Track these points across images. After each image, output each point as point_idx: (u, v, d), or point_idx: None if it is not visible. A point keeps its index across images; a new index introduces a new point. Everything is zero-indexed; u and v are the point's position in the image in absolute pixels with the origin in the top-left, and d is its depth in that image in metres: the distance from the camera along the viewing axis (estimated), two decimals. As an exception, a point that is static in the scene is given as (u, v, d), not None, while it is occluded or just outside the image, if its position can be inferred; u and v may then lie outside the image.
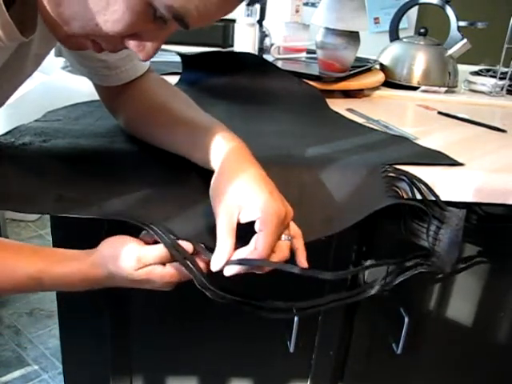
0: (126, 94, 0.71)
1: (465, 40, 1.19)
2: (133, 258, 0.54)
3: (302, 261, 0.58)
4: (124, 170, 0.66)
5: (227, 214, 0.54)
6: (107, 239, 0.57)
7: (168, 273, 0.56)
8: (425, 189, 0.69)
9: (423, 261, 0.69)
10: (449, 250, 0.67)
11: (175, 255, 0.55)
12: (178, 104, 0.69)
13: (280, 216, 0.53)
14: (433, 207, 0.68)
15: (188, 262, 0.55)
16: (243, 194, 0.54)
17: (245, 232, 0.55)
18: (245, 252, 0.53)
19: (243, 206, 0.54)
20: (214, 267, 0.54)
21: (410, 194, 0.69)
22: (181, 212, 0.61)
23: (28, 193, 0.61)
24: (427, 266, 0.69)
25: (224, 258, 0.53)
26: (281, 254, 0.55)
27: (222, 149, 0.59)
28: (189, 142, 0.64)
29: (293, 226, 0.58)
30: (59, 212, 0.60)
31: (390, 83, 1.20)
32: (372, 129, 0.88)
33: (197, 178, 0.64)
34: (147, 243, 0.57)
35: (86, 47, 0.50)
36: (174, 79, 1.01)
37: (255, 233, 0.54)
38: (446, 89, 1.20)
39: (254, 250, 0.53)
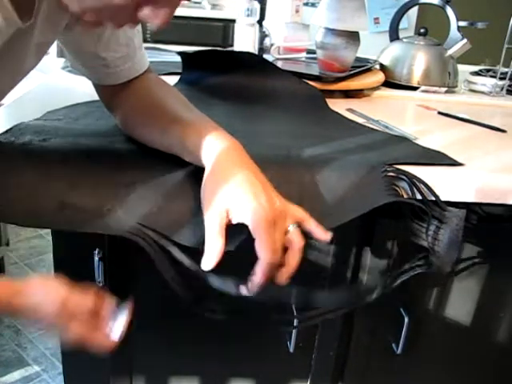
0: (124, 93, 0.72)
1: (465, 40, 1.19)
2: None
3: (322, 236, 0.59)
4: (126, 171, 0.66)
5: (216, 214, 0.55)
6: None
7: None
8: (425, 189, 0.69)
9: (422, 261, 0.69)
10: (448, 250, 0.68)
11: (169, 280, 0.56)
12: (173, 104, 0.70)
13: (268, 218, 0.54)
14: (432, 207, 0.68)
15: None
16: (231, 198, 0.55)
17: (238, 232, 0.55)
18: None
19: (231, 209, 0.55)
20: (206, 266, 0.54)
21: (410, 194, 0.69)
22: (189, 217, 0.61)
23: (29, 203, 0.60)
24: (426, 266, 0.69)
25: (214, 257, 0.54)
26: (295, 245, 0.56)
27: (214, 149, 0.60)
28: (181, 142, 0.64)
29: (297, 212, 0.59)
30: (61, 225, 0.60)
31: (390, 83, 1.20)
32: (372, 129, 0.88)
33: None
34: None
35: (101, 24, 0.50)
36: (173, 79, 1.01)
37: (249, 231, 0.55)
38: (446, 89, 1.20)
39: (258, 260, 0.54)
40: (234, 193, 0.55)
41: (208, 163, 0.60)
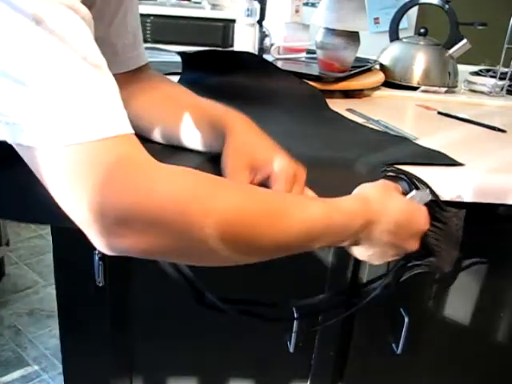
0: (128, 86, 0.71)
1: (465, 40, 1.19)
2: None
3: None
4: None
5: (241, 173, 0.57)
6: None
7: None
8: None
9: (422, 261, 0.69)
10: (448, 250, 0.68)
11: None
12: (180, 93, 0.71)
13: (289, 171, 0.57)
14: (432, 206, 0.68)
15: None
16: (254, 156, 0.58)
17: None
18: None
19: (255, 165, 0.58)
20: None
21: (410, 194, 0.69)
22: None
23: (28, 199, 0.60)
24: (426, 266, 0.69)
25: None
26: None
27: (232, 122, 0.63)
28: (196, 123, 0.66)
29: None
30: (60, 222, 0.59)
31: (389, 83, 1.20)
32: (372, 129, 0.88)
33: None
34: None
35: None
36: (174, 79, 1.01)
37: None
38: (446, 89, 1.19)
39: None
40: (257, 151, 0.59)
41: (228, 134, 0.61)
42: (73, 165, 0.40)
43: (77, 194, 0.41)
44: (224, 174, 0.58)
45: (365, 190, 0.59)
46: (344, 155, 0.72)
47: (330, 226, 0.52)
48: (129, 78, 0.72)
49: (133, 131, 0.44)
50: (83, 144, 0.40)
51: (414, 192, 0.61)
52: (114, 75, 0.71)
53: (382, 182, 0.61)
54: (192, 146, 0.67)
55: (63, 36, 0.40)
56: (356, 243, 0.57)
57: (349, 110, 0.98)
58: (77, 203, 0.41)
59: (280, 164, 0.57)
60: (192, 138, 0.66)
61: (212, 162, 0.63)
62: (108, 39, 0.68)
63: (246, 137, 0.60)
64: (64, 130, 0.39)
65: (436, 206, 0.68)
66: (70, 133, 0.39)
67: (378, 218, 0.56)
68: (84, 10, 0.44)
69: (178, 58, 1.06)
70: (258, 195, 0.48)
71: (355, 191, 0.59)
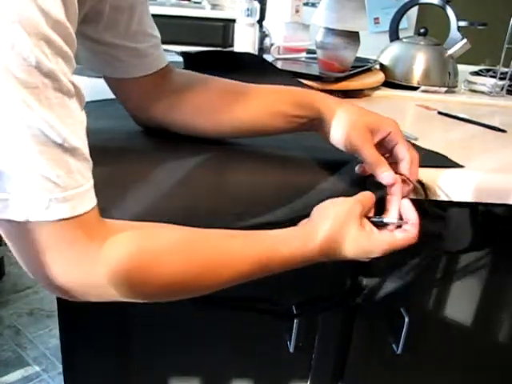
0: (166, 82, 0.71)
1: (465, 40, 1.20)
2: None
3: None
4: (126, 170, 0.66)
5: (368, 138, 0.63)
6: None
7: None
8: (421, 190, 0.69)
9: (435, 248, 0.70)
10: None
11: None
12: (237, 84, 0.76)
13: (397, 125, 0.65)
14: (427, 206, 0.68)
15: None
16: (371, 121, 0.65)
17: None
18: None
19: (375, 128, 0.64)
20: (387, 179, 0.62)
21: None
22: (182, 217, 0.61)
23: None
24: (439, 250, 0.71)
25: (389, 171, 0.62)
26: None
27: (318, 98, 0.70)
28: (277, 107, 0.69)
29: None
30: None
31: (390, 83, 1.20)
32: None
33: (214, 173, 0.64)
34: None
35: None
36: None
37: None
38: (445, 89, 1.20)
39: (407, 161, 0.63)
40: (371, 116, 0.66)
41: (327, 111, 0.68)
42: (14, 237, 0.44)
43: (21, 262, 0.46)
44: (351, 148, 0.64)
45: (317, 228, 0.58)
46: (344, 156, 0.72)
47: (267, 270, 0.56)
48: (159, 77, 0.71)
49: (93, 204, 0.46)
50: (24, 222, 0.42)
51: (381, 217, 0.62)
52: (147, 77, 0.69)
53: (340, 210, 0.59)
54: (276, 131, 0.70)
55: (46, 121, 0.40)
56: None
57: (349, 110, 0.98)
58: (23, 266, 0.46)
59: (390, 123, 0.65)
60: (278, 122, 0.69)
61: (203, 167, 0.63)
62: (128, 45, 0.66)
63: (350, 108, 0.66)
64: (5, 206, 0.41)
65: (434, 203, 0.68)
66: (15, 209, 0.41)
67: (334, 255, 0.58)
68: (73, 88, 0.44)
69: (179, 58, 1.06)
70: (199, 255, 0.52)
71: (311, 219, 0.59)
